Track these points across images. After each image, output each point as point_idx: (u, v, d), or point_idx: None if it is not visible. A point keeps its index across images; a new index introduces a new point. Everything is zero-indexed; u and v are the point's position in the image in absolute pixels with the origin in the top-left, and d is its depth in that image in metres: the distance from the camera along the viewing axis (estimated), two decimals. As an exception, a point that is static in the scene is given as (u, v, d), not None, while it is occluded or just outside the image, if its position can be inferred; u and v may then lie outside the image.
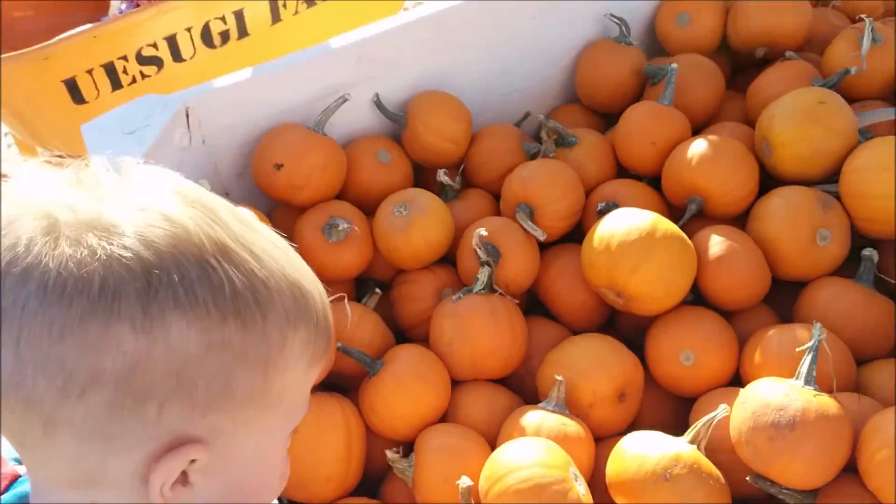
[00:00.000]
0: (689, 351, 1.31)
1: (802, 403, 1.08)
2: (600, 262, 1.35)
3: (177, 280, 0.58)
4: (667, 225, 1.34)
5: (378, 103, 1.64)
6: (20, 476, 0.75)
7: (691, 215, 1.48)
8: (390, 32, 1.59)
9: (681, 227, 1.37)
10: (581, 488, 1.10)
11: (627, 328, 1.49)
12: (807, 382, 1.12)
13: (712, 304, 1.39)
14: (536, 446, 1.13)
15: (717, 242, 1.38)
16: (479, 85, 1.74)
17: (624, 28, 1.75)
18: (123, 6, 2.05)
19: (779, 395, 1.10)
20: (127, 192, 0.62)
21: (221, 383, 0.61)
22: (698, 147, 1.47)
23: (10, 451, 0.78)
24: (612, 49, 1.76)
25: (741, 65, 1.85)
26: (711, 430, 1.16)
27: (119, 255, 0.57)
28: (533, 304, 1.57)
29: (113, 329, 0.57)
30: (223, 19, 2.04)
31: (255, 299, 0.62)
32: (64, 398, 0.57)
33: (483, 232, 1.38)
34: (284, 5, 2.12)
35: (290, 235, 1.51)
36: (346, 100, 1.56)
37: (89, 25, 1.92)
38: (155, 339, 0.58)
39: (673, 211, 1.53)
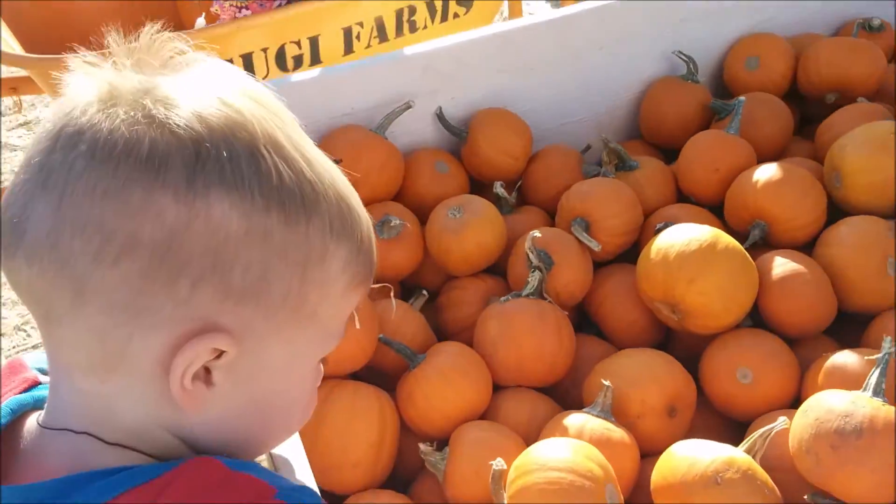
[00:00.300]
0: (746, 368, 1.24)
1: (870, 410, 1.00)
2: (656, 273, 1.30)
3: (225, 157, 0.57)
4: (729, 239, 1.29)
5: (440, 116, 1.65)
6: (40, 383, 0.72)
7: (754, 241, 1.43)
8: (458, 45, 1.62)
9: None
10: None
11: (682, 351, 1.41)
12: (875, 394, 1.04)
13: (773, 329, 1.32)
14: (575, 450, 1.05)
15: (781, 264, 1.32)
16: (541, 111, 1.74)
17: (692, 66, 1.75)
18: (202, 20, 2.13)
19: (845, 402, 1.03)
20: (190, 75, 0.62)
21: (258, 274, 0.60)
22: (765, 171, 1.43)
23: (34, 360, 0.76)
24: (679, 85, 1.75)
25: (810, 116, 1.82)
26: (768, 444, 1.09)
27: (173, 123, 0.57)
28: (583, 325, 1.52)
29: (155, 196, 0.56)
30: (298, 44, 2.10)
31: (301, 198, 0.61)
32: (98, 263, 0.56)
33: (536, 234, 1.36)
34: (358, 37, 2.18)
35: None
36: (409, 106, 1.58)
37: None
38: (196, 213, 0.57)
39: (735, 239, 1.47)
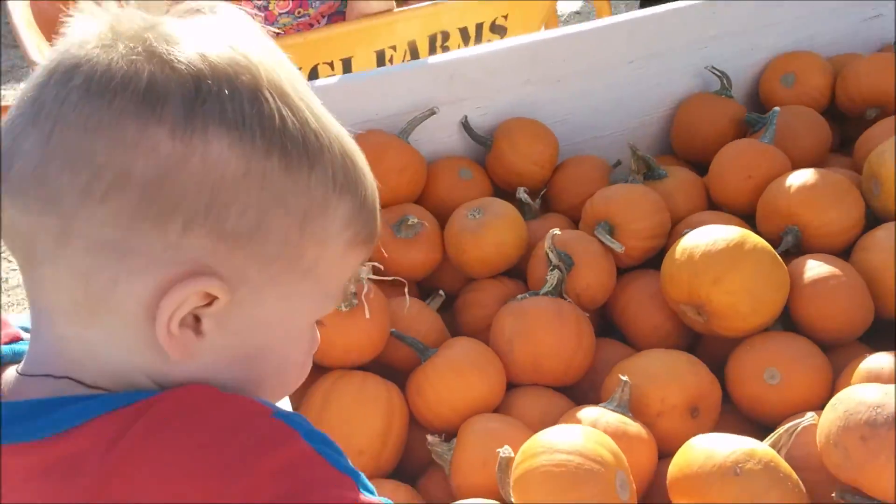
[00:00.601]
0: (774, 369, 1.17)
1: (905, 400, 0.92)
2: (682, 273, 1.25)
3: (227, 95, 0.55)
4: (757, 239, 1.24)
5: (466, 124, 1.64)
6: (22, 339, 0.70)
7: (787, 247, 1.37)
8: (487, 55, 1.62)
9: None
10: (623, 494, 0.94)
11: (709, 359, 1.34)
12: (910, 386, 0.97)
13: (806, 335, 1.25)
14: (586, 435, 0.99)
15: (814, 266, 1.26)
16: (570, 124, 1.72)
17: (725, 81, 1.72)
18: None
19: (877, 394, 0.96)
20: (198, 19, 0.60)
21: (254, 219, 0.57)
22: (799, 176, 1.38)
23: (17, 320, 0.74)
24: (712, 99, 1.72)
25: (850, 137, 1.76)
26: (795, 443, 1.01)
27: (175, 59, 0.54)
28: (607, 332, 1.46)
29: (151, 130, 0.53)
30: (331, 65, 2.13)
31: (304, 145, 0.58)
32: (86, 199, 0.53)
33: (556, 231, 1.32)
34: (391, 60, 2.20)
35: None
36: (434, 112, 1.57)
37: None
38: (193, 149, 0.54)
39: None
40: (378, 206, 0.67)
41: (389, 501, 0.59)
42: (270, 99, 0.56)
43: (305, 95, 0.61)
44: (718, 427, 1.19)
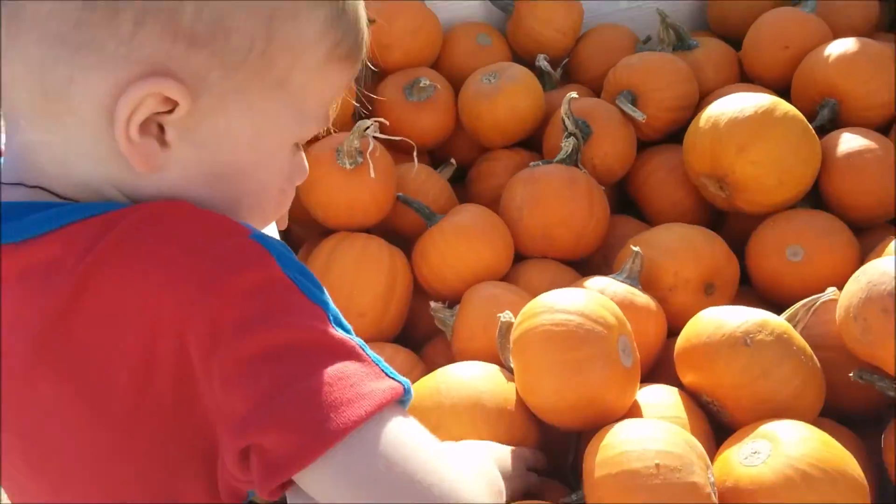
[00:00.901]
0: (797, 246, 1.11)
1: (934, 271, 0.86)
2: (704, 141, 1.17)
3: None
4: (789, 107, 1.15)
5: (487, -13, 1.54)
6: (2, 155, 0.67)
7: (823, 122, 1.28)
8: None
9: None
10: (626, 360, 0.90)
11: (730, 239, 1.27)
12: (942, 260, 0.90)
13: (835, 213, 1.18)
14: (588, 297, 0.93)
15: (848, 139, 1.18)
16: (599, -10, 1.61)
17: (769, -53, 1.59)
18: None
19: (904, 265, 0.89)
20: None
21: (213, 17, 0.53)
22: (838, 46, 1.28)
23: None
24: (753, -33, 1.59)
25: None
26: (813, 319, 0.96)
27: None
28: (626, 209, 1.39)
29: None
30: None
31: None
32: None
33: (573, 95, 1.24)
34: None
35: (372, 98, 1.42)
36: (452, -30, 1.47)
37: None
38: None
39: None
40: (364, 21, 0.63)
41: (360, 340, 0.55)
42: None
43: None
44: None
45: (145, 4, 0.51)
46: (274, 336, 0.52)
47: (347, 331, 0.56)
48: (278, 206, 0.67)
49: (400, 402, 0.55)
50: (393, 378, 0.55)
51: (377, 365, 0.55)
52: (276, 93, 0.58)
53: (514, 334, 0.92)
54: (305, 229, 1.34)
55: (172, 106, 0.54)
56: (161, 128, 0.55)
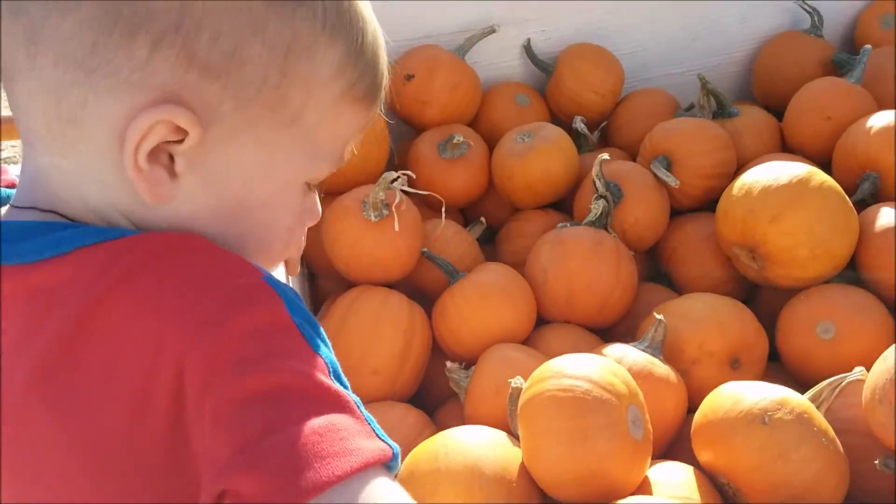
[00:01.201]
0: (829, 322, 1.07)
1: (968, 356, 0.81)
2: (736, 210, 1.15)
3: None
4: (825, 177, 1.12)
5: (527, 48, 1.55)
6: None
7: (864, 196, 1.24)
8: (554, -28, 1.52)
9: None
10: (636, 432, 0.86)
11: (763, 314, 1.22)
12: (979, 345, 0.85)
13: (872, 289, 1.13)
14: (599, 363, 0.90)
15: (887, 214, 1.14)
16: (640, 56, 1.61)
17: (816, 18, 1.57)
18: None
19: (937, 349, 0.84)
20: None
21: (228, 47, 0.53)
22: (879, 119, 1.25)
23: (17, 171, 0.73)
24: (800, 38, 1.58)
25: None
26: (839, 401, 0.92)
27: None
28: (657, 278, 1.37)
29: None
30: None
31: None
32: (51, 7, 0.51)
33: (605, 156, 1.23)
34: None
35: (408, 151, 1.43)
36: (493, 30, 1.49)
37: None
38: None
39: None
40: (383, 61, 0.62)
41: (356, 398, 0.54)
42: None
43: None
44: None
45: (162, 30, 0.52)
46: (269, 379, 0.51)
47: (345, 386, 0.55)
48: (286, 244, 0.66)
49: (387, 466, 0.53)
50: (383, 440, 0.54)
51: (369, 424, 0.53)
52: (288, 129, 0.58)
53: (521, 399, 0.90)
54: (332, 282, 1.35)
55: (183, 135, 0.54)
56: (171, 158, 0.55)
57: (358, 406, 0.53)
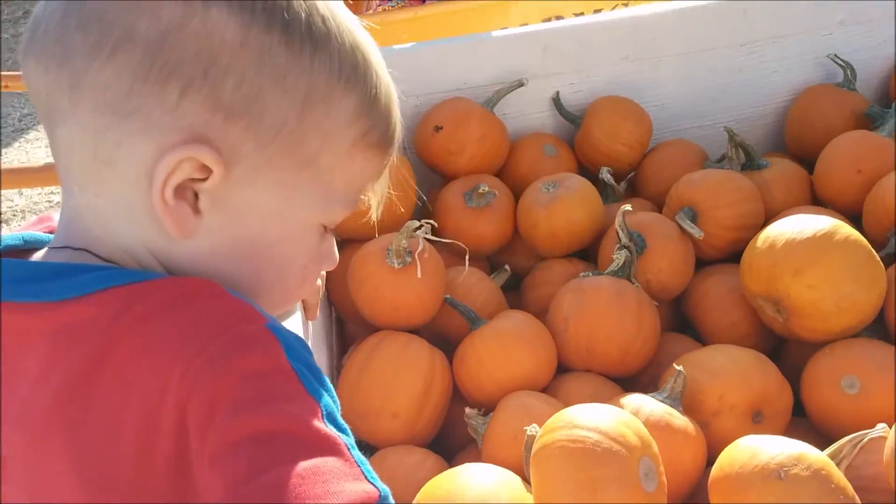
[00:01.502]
0: (853, 377, 1.04)
1: None
2: (761, 262, 1.14)
3: None
4: (851, 231, 1.11)
5: (556, 100, 1.57)
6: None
7: (893, 250, 1.22)
8: (582, 27, 1.55)
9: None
10: (649, 484, 0.85)
11: (790, 366, 1.20)
12: None
13: (901, 346, 1.11)
14: (612, 414, 0.90)
15: (916, 270, 1.12)
16: (669, 108, 1.62)
17: (849, 72, 1.57)
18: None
19: (960, 407, 0.82)
20: None
21: (251, 93, 0.58)
22: (912, 171, 1.23)
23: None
24: (832, 91, 1.57)
25: None
26: (861, 457, 0.89)
27: None
28: (682, 328, 1.35)
29: None
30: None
31: (308, 27, 0.59)
32: (94, 56, 0.56)
33: (628, 208, 1.23)
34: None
35: (435, 203, 1.45)
36: (522, 84, 1.52)
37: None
38: (193, 12, 0.56)
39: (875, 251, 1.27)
40: (396, 113, 0.67)
41: (350, 441, 0.55)
42: None
43: None
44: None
45: (191, 76, 0.56)
46: (261, 422, 0.53)
47: (343, 430, 0.56)
48: (301, 282, 0.69)
49: None
50: (373, 483, 0.54)
51: (360, 467, 0.55)
52: (305, 171, 0.62)
53: (534, 448, 0.89)
54: (359, 328, 1.36)
55: (207, 174, 0.58)
56: (196, 196, 0.59)
57: (350, 448, 0.54)
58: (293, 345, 0.58)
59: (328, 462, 0.53)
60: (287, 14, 0.58)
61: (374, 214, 0.73)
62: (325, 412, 0.55)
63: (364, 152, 0.64)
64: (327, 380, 0.59)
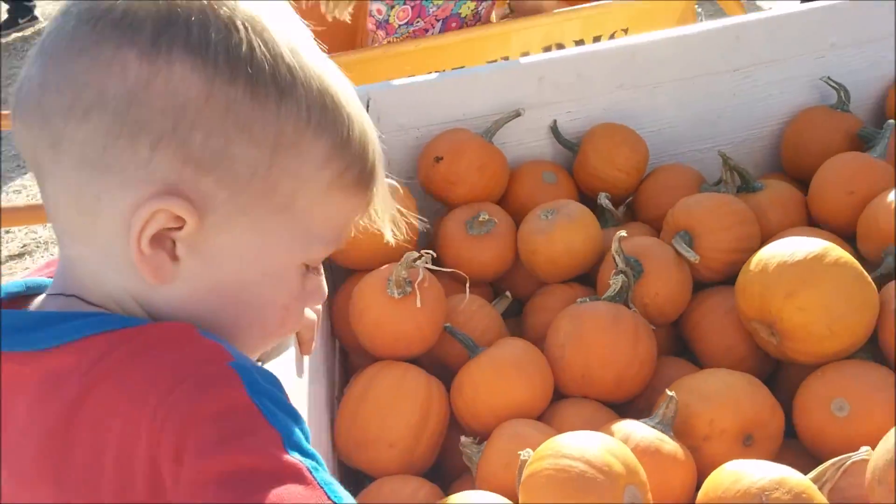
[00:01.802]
0: (843, 400, 1.06)
1: (969, 437, 0.81)
2: (754, 285, 1.16)
3: (194, 22, 0.59)
4: (842, 253, 1.13)
5: (554, 129, 1.60)
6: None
7: (887, 270, 1.23)
8: (577, 57, 1.58)
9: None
10: None
11: (787, 389, 1.21)
12: None
13: (893, 366, 1.12)
14: (598, 442, 0.92)
15: (907, 291, 1.13)
16: (666, 134, 1.64)
17: (843, 94, 1.58)
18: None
19: (940, 429, 0.84)
20: None
21: (219, 145, 0.60)
22: (902, 192, 1.25)
23: None
24: (826, 112, 1.59)
25: None
26: (846, 480, 0.91)
27: None
28: (680, 353, 1.37)
29: (122, 52, 0.58)
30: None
31: (273, 77, 0.61)
32: (70, 117, 0.59)
33: (623, 233, 1.26)
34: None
35: (437, 231, 1.49)
36: (519, 114, 1.55)
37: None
38: (157, 71, 0.58)
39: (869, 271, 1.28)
40: (373, 151, 0.68)
41: (312, 464, 0.58)
42: (242, 30, 0.60)
43: (293, 37, 0.63)
44: (777, 462, 1.09)
45: (160, 132, 0.59)
46: (225, 460, 0.56)
47: (309, 455, 0.59)
48: (281, 322, 0.71)
49: None
50: (336, 502, 0.57)
51: (323, 489, 0.57)
52: (280, 215, 0.64)
53: (523, 475, 0.92)
54: (362, 359, 1.39)
55: (182, 223, 0.61)
56: (174, 243, 0.62)
57: (313, 471, 0.57)
58: (256, 379, 0.60)
59: (291, 490, 0.55)
60: (251, 66, 0.60)
61: (388, 236, 0.75)
62: (288, 441, 0.58)
63: (341, 192, 0.66)
64: (295, 409, 0.62)
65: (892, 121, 1.43)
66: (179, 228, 0.61)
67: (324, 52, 0.67)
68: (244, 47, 0.60)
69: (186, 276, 0.63)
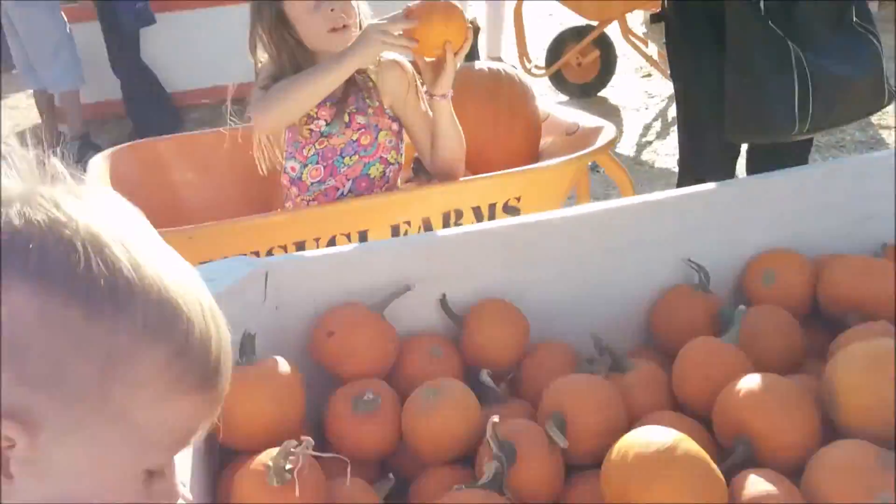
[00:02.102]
0: (696, 592, 1.12)
1: None
2: (617, 475, 1.23)
3: (32, 248, 0.63)
4: (692, 446, 1.22)
5: (443, 302, 1.69)
6: None
7: (740, 460, 1.33)
8: (462, 235, 1.70)
9: (724, 472, 1.22)
10: None
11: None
12: None
13: (743, 557, 1.20)
14: None
15: (754, 482, 1.23)
16: (548, 307, 1.75)
17: (702, 275, 1.74)
18: None
19: None
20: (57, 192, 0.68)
21: (52, 364, 0.63)
22: (749, 381, 1.37)
23: None
24: (689, 292, 1.73)
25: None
26: None
27: (6, 219, 0.64)
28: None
29: None
30: (348, 236, 2.22)
31: (110, 292, 0.64)
32: None
33: (496, 419, 1.33)
34: (406, 234, 2.29)
35: (325, 407, 1.52)
36: (408, 289, 1.64)
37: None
38: None
39: (724, 457, 1.38)
40: (216, 350, 0.71)
41: None
42: (81, 249, 0.63)
43: (134, 244, 0.66)
44: None
45: (10, 356, 0.61)
46: None
47: None
48: None
49: None
50: None
51: None
52: (114, 424, 0.66)
53: None
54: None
55: (13, 443, 0.63)
56: (7, 461, 0.64)
57: None
58: None
59: None
60: (88, 284, 0.63)
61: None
62: None
63: (181, 396, 0.69)
64: None
65: (742, 307, 1.57)
66: (11, 447, 0.63)
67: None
68: (81, 267, 0.63)
69: (21, 492, 0.65)
